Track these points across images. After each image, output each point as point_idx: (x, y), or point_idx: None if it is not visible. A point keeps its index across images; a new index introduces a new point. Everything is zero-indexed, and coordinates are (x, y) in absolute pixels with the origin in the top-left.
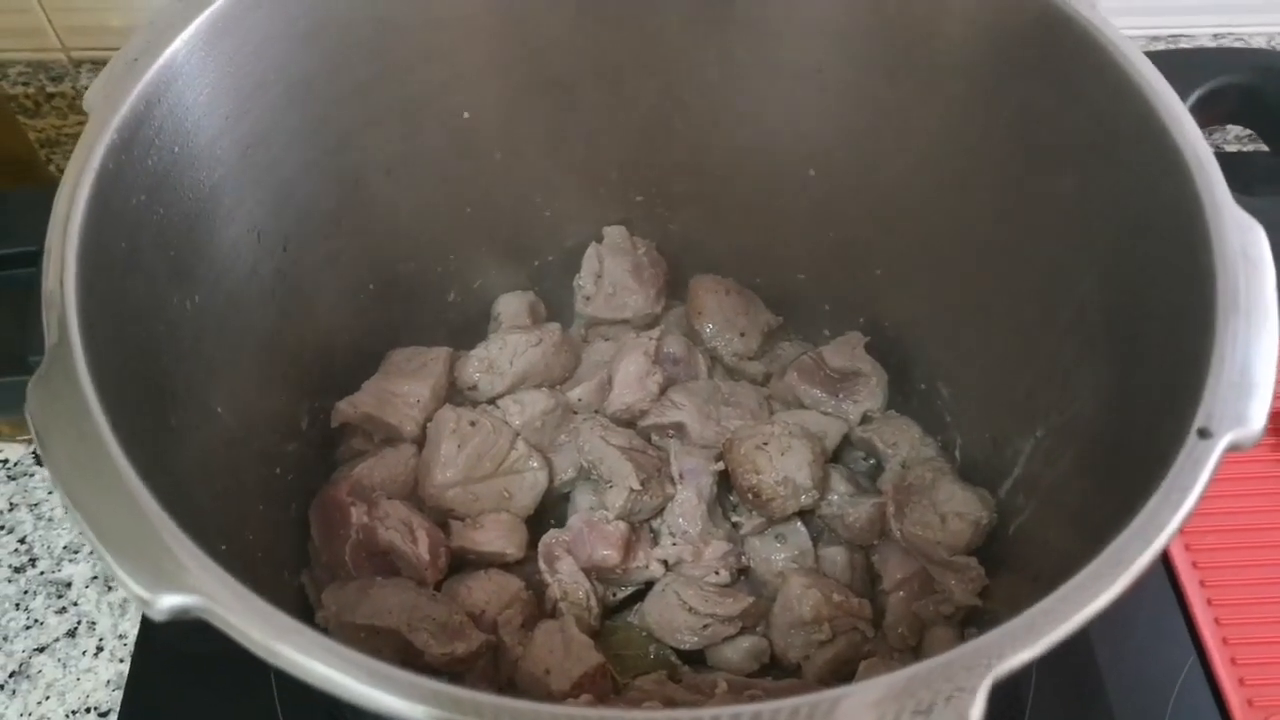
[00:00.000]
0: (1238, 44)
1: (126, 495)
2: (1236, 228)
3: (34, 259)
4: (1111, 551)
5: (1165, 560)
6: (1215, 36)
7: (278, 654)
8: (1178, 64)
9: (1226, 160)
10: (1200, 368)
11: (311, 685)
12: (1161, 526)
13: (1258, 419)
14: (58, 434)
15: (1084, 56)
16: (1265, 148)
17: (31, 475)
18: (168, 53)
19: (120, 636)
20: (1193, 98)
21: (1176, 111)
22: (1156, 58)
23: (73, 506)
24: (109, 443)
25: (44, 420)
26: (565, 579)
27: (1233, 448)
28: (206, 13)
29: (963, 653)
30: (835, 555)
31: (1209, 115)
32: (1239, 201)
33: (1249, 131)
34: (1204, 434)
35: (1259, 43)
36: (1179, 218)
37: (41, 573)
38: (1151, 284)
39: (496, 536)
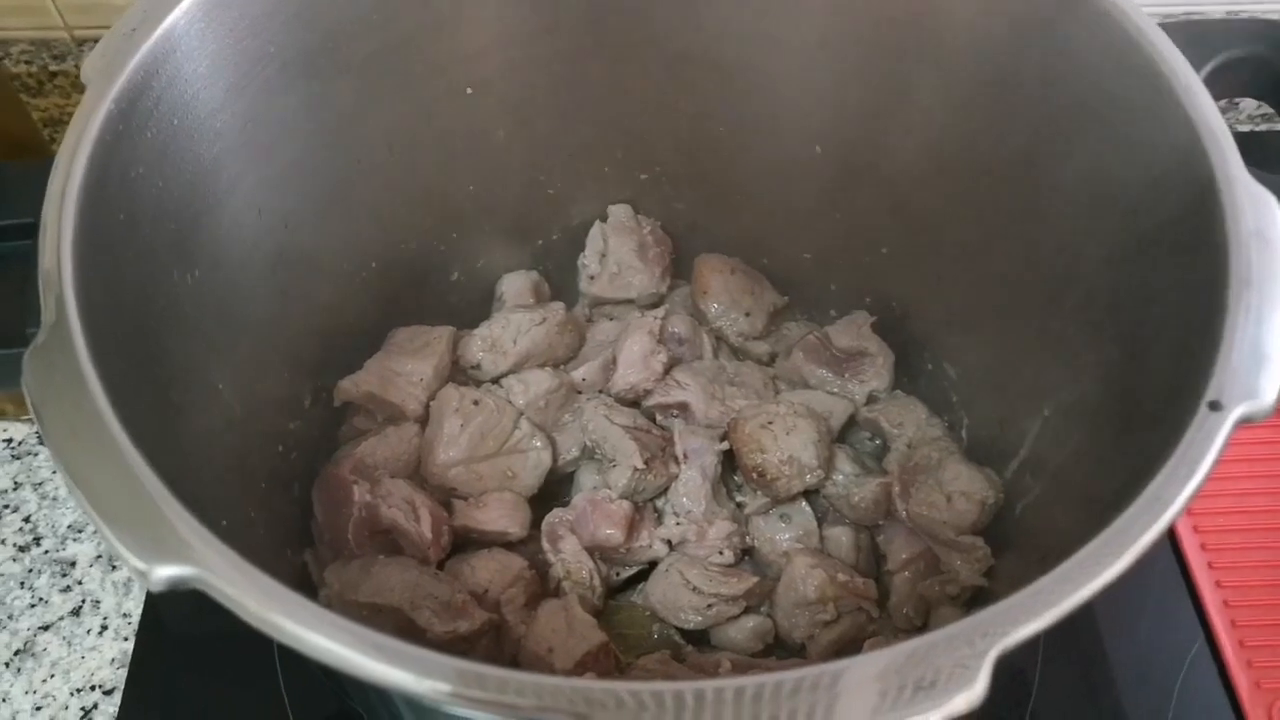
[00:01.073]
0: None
1: (124, 467)
2: (1250, 201)
3: (31, 230)
4: (1119, 525)
5: (1173, 541)
6: (1228, 14)
7: (274, 625)
8: (1192, 35)
9: (1240, 140)
10: (1212, 342)
11: (309, 657)
12: (1170, 500)
13: (1270, 392)
14: (54, 406)
15: (1096, 29)
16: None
17: (35, 454)
18: (166, 24)
19: (124, 615)
20: (1206, 69)
21: (1191, 84)
22: (1170, 29)
23: (69, 478)
24: (106, 415)
25: (40, 392)
26: (568, 558)
27: (1244, 420)
28: None
29: (966, 626)
30: (840, 535)
31: (1222, 88)
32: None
33: (1262, 111)
34: (1215, 406)
35: (1275, 17)
36: (1191, 192)
37: (46, 551)
38: (1162, 260)
39: (499, 515)
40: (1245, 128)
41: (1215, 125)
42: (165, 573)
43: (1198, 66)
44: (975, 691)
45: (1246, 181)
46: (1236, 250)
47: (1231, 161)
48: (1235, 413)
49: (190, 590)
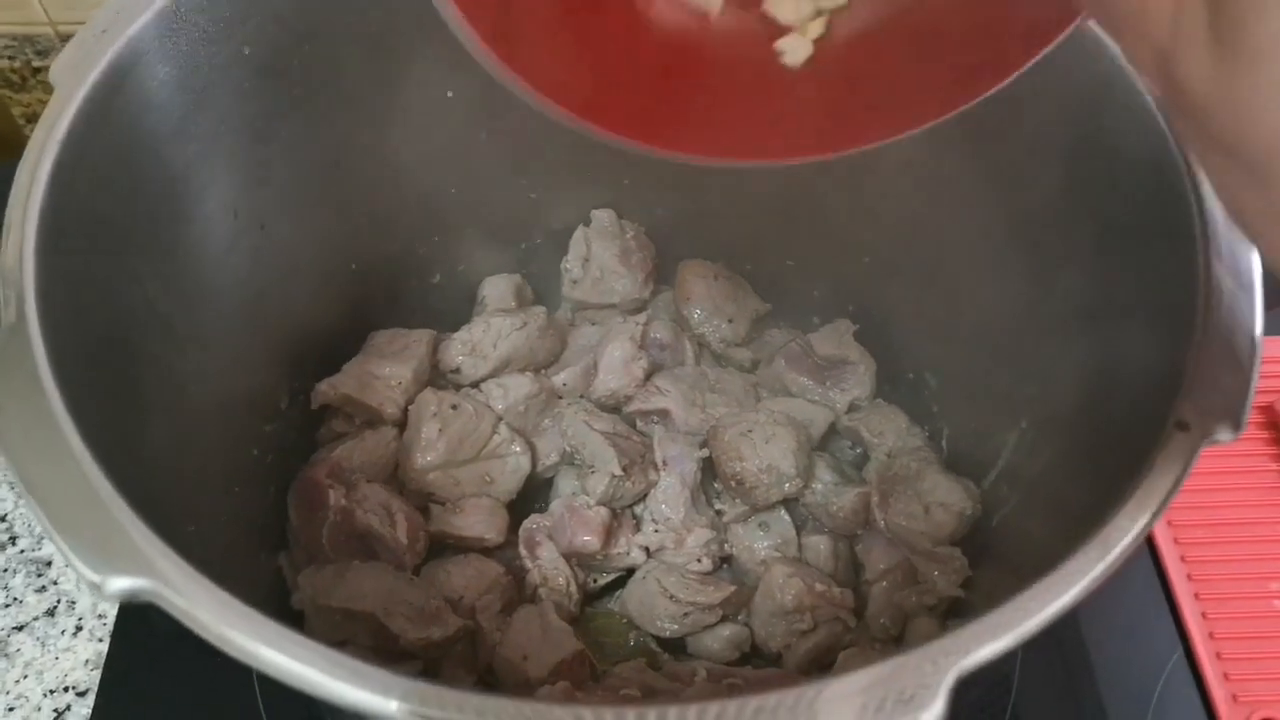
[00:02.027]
0: None
1: (80, 476)
2: (1226, 221)
3: None
4: (1081, 548)
5: (1153, 554)
6: None
7: (227, 640)
8: None
9: None
10: (1181, 362)
11: (264, 672)
12: (1133, 523)
13: (1239, 411)
14: (10, 409)
15: (1071, 42)
16: None
17: None
18: (138, 25)
19: (100, 616)
20: None
21: None
22: None
23: (23, 484)
24: (62, 420)
25: None
26: (545, 565)
27: (1211, 441)
28: None
29: (929, 649)
30: (819, 544)
31: None
32: None
33: None
34: (1182, 426)
35: None
36: (1167, 211)
37: (21, 551)
38: (1133, 273)
39: (476, 521)
40: None
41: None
42: (119, 585)
43: None
44: (934, 711)
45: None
46: (1209, 270)
47: (1207, 182)
48: (1204, 433)
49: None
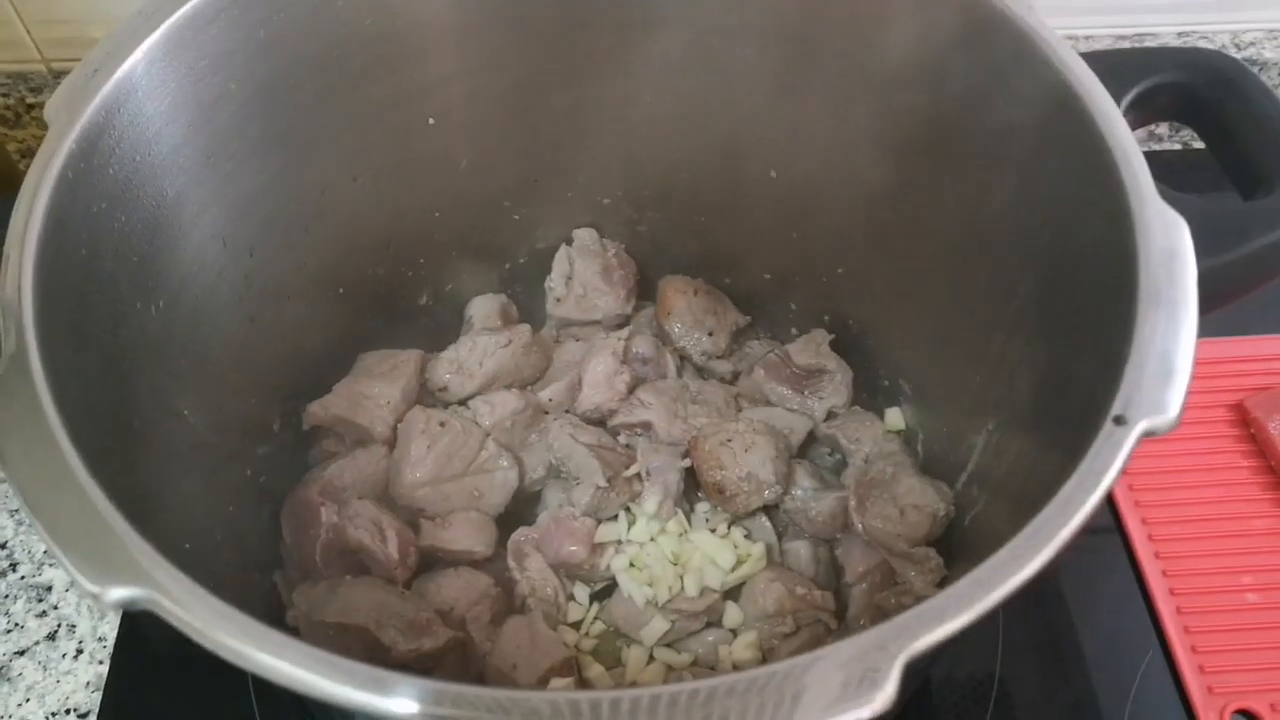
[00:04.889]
0: (1202, 42)
1: (80, 494)
2: (1161, 223)
3: None
4: (1024, 536)
5: (1128, 551)
6: (1179, 34)
7: (223, 646)
8: (1117, 63)
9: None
10: (1120, 358)
11: (260, 677)
12: (1073, 512)
13: (1174, 406)
14: (12, 434)
15: (1021, 58)
16: None
17: None
18: (128, 64)
19: (100, 639)
20: (1129, 96)
21: (1107, 110)
22: (1097, 57)
23: (26, 505)
24: (63, 442)
25: None
26: (533, 576)
27: (1148, 434)
28: (165, 25)
29: (877, 634)
30: (799, 549)
31: (1148, 113)
32: (1167, 197)
33: None
34: (1120, 421)
35: (1224, 40)
36: (1107, 214)
37: (22, 577)
38: (1082, 279)
39: (465, 535)
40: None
41: (1130, 151)
42: (117, 594)
43: (1123, 92)
44: (887, 693)
45: (1158, 204)
46: (1146, 269)
47: (1144, 184)
48: (1139, 426)
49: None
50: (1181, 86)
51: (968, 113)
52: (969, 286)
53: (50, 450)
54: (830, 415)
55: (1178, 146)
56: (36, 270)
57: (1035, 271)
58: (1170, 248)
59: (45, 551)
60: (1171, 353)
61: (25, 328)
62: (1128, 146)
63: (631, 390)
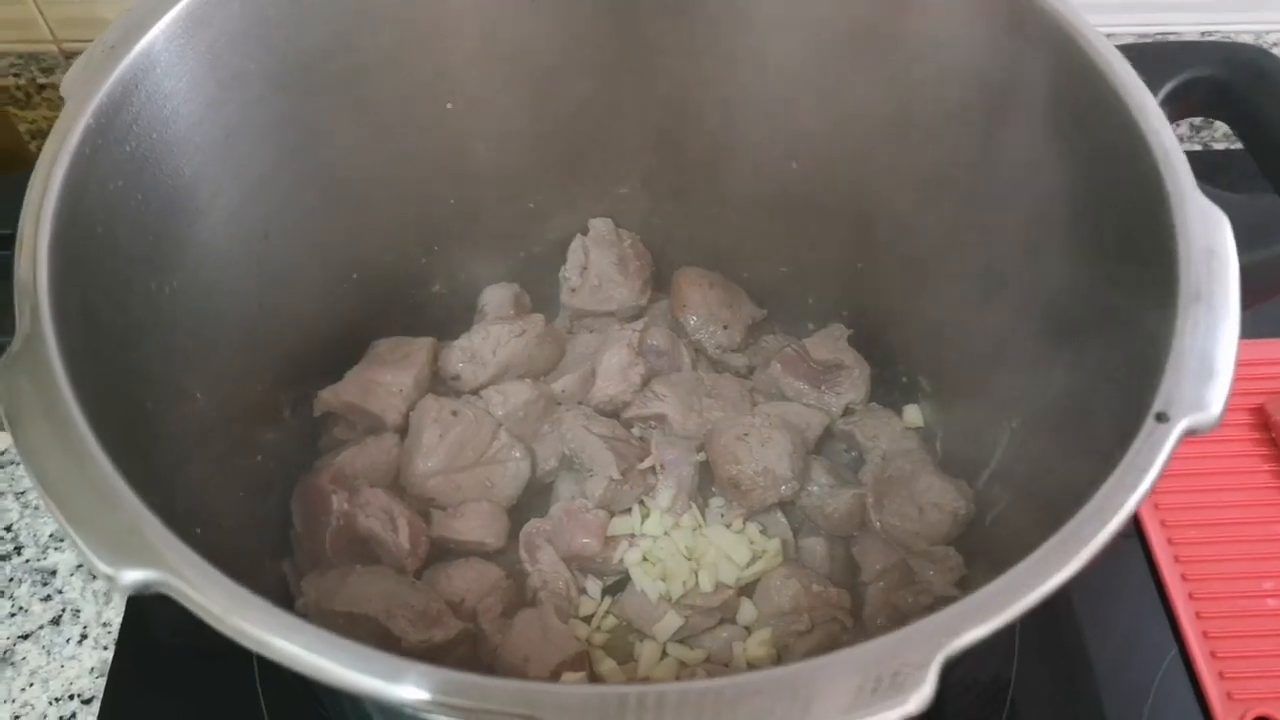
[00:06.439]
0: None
1: (95, 475)
2: (1202, 218)
3: (8, 241)
4: (1064, 534)
5: (1147, 553)
6: (1203, 34)
7: (237, 629)
8: (1154, 56)
9: (1215, 158)
10: (1161, 355)
11: (273, 660)
12: (1115, 510)
13: (1216, 404)
14: (27, 414)
15: (1055, 50)
16: None
17: (18, 464)
18: (145, 40)
19: (104, 624)
20: (1166, 89)
21: (1145, 104)
22: (1132, 50)
23: (40, 486)
24: (78, 423)
25: (13, 401)
26: (545, 568)
27: (1190, 432)
28: (184, 2)
29: (916, 631)
30: (815, 546)
31: (1181, 108)
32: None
33: None
34: (1162, 418)
35: (1246, 40)
36: (1145, 209)
37: (27, 560)
38: (1119, 275)
39: (477, 525)
40: (1221, 145)
41: (1168, 143)
42: (132, 577)
43: (1158, 86)
44: (924, 693)
45: (1198, 199)
46: (1186, 265)
47: (1183, 178)
48: (1181, 424)
49: (161, 596)
50: (1216, 81)
51: (1000, 110)
52: (995, 281)
53: (66, 430)
54: (847, 411)
55: (1198, 147)
56: (52, 248)
57: (1066, 265)
58: (1210, 243)
59: (51, 535)
60: (1212, 350)
61: (41, 309)
62: (1166, 139)
63: (646, 382)
